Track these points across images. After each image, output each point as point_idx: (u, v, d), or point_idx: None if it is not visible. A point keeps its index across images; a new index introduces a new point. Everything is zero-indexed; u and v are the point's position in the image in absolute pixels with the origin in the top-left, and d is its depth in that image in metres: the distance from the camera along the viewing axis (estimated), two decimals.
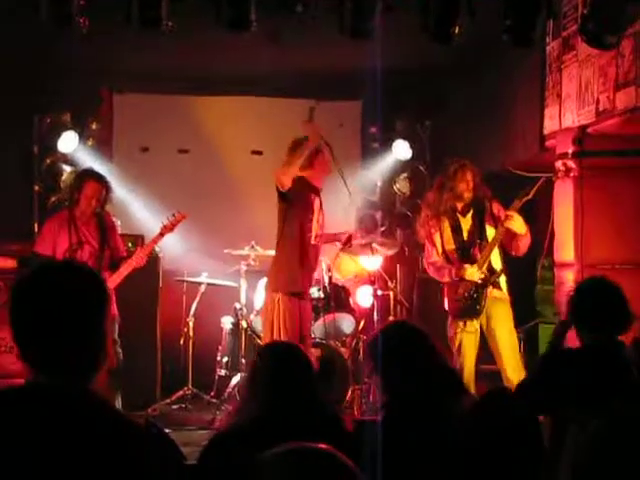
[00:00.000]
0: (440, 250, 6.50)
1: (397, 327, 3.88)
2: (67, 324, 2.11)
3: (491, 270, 6.37)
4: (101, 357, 2.17)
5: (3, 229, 8.06)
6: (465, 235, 6.46)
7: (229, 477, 3.14)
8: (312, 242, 6.65)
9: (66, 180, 8.54)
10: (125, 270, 6.72)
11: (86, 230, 6.75)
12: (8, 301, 2.15)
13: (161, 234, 6.95)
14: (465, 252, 6.43)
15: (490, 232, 6.41)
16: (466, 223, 6.48)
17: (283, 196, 6.52)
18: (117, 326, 6.68)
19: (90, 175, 6.92)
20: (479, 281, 6.31)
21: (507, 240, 6.42)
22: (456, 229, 6.46)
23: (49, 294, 2.12)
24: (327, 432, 3.21)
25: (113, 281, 6.61)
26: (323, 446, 1.92)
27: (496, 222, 6.40)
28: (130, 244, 8.05)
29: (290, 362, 3.50)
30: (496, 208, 6.47)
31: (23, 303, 2.14)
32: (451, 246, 6.47)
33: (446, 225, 6.46)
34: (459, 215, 6.48)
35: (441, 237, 6.48)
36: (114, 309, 6.46)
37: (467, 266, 6.36)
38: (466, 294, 6.33)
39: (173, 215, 6.98)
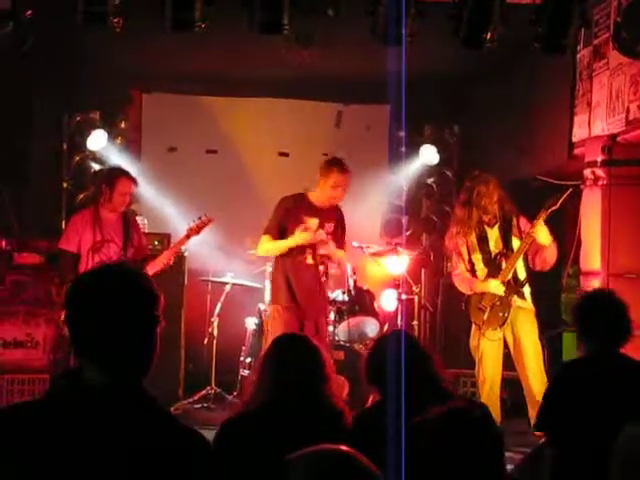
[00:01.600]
0: (466, 260, 6.49)
1: (389, 339, 3.88)
2: (120, 326, 2.15)
3: (516, 280, 6.35)
4: (152, 358, 2.22)
5: (31, 225, 8.14)
6: (491, 245, 6.44)
7: (239, 461, 3.28)
8: (308, 262, 6.61)
9: (92, 177, 8.60)
10: (150, 270, 6.75)
11: (110, 228, 6.81)
12: (65, 301, 2.21)
13: (187, 236, 7.00)
14: (491, 261, 6.41)
15: (516, 243, 6.38)
16: (493, 234, 6.45)
17: None
18: None
19: (121, 172, 7.02)
20: (503, 294, 6.29)
21: (532, 255, 6.37)
22: (482, 239, 6.45)
23: (104, 297, 2.17)
24: (326, 424, 3.29)
25: None
26: (344, 448, 1.94)
27: (522, 234, 6.37)
28: (156, 243, 8.10)
29: (291, 352, 3.59)
30: (523, 222, 6.43)
31: (79, 305, 2.19)
32: (477, 256, 6.46)
33: (473, 236, 6.45)
34: (486, 227, 6.46)
35: (467, 248, 6.47)
36: None
37: (491, 280, 6.35)
38: (491, 303, 6.32)
39: (199, 218, 7.03)
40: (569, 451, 3.91)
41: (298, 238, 6.50)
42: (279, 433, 3.29)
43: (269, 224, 6.64)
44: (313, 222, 6.55)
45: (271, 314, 6.75)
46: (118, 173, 6.98)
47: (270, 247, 6.65)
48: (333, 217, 6.69)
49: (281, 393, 3.45)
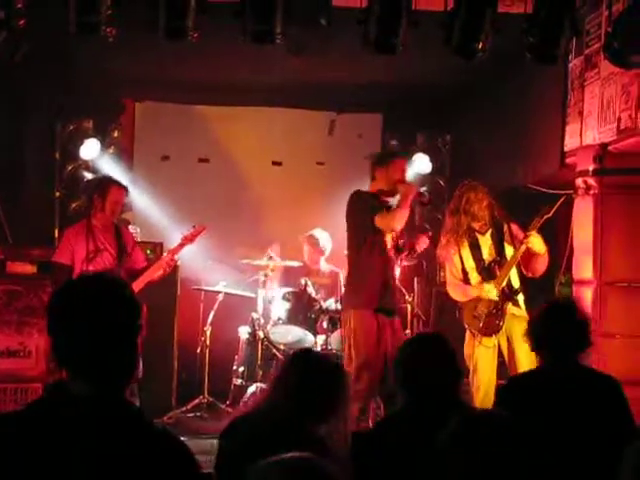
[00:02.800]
0: (459, 268, 6.50)
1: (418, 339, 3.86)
2: (102, 335, 2.16)
3: (510, 287, 6.38)
4: (134, 368, 2.24)
5: (24, 234, 8.13)
6: (484, 253, 6.46)
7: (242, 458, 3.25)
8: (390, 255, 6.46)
9: (83, 187, 8.60)
10: (144, 280, 6.79)
11: (104, 238, 6.85)
12: (46, 311, 2.22)
13: (181, 245, 7.03)
14: (485, 269, 6.44)
15: (509, 251, 6.41)
16: (485, 241, 6.48)
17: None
18: None
19: (112, 181, 7.15)
20: (497, 299, 6.31)
21: (525, 261, 6.40)
22: (475, 247, 6.47)
23: (86, 306, 2.17)
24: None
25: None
26: (306, 455, 1.93)
27: (514, 241, 6.40)
28: (149, 251, 8.09)
29: (302, 372, 3.49)
30: (514, 228, 6.47)
31: (60, 314, 2.20)
32: (471, 264, 6.47)
33: (465, 244, 6.47)
34: (478, 234, 6.48)
35: (460, 257, 6.49)
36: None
37: (484, 284, 6.37)
38: (486, 310, 6.33)
39: (193, 227, 7.08)
40: None
41: (406, 189, 6.38)
42: (263, 442, 3.28)
43: (370, 206, 6.34)
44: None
45: (355, 320, 6.29)
46: (109, 182, 7.10)
47: (394, 214, 6.32)
48: None
49: (276, 405, 3.43)
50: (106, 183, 7.08)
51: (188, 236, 7.03)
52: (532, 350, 4.28)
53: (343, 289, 7.90)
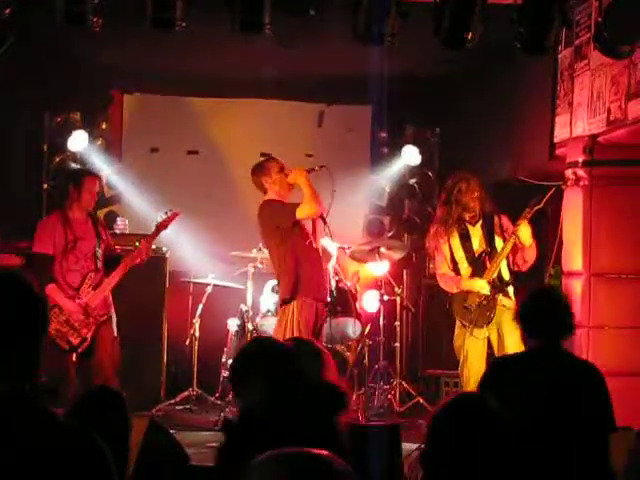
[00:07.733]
0: (449, 259, 6.50)
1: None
2: (9, 329, 2.14)
3: (501, 279, 6.38)
4: (33, 362, 2.20)
5: (12, 227, 8.08)
6: (475, 244, 6.47)
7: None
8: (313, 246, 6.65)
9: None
10: (123, 268, 6.80)
11: (81, 227, 6.87)
12: None
13: (156, 232, 7.09)
14: (475, 260, 6.43)
15: (499, 243, 6.41)
16: (475, 232, 6.48)
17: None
18: (115, 324, 6.79)
19: (85, 171, 7.44)
20: (488, 293, 6.31)
21: (512, 254, 6.42)
22: (465, 238, 6.47)
23: None
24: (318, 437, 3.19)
25: (112, 279, 6.73)
26: (317, 451, 1.87)
27: (504, 234, 6.40)
28: (137, 244, 8.06)
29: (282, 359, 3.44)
30: (504, 220, 6.48)
31: None
32: (460, 254, 6.47)
33: (455, 235, 6.47)
34: (468, 225, 6.48)
35: (450, 247, 6.49)
36: (108, 308, 6.75)
37: (477, 278, 6.37)
38: (477, 302, 6.33)
39: (165, 213, 7.12)
40: None
41: (296, 174, 6.57)
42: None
43: (284, 212, 6.56)
44: None
45: (298, 307, 6.45)
46: (83, 172, 7.32)
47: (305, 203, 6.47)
48: None
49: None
50: (80, 173, 7.23)
51: (162, 223, 7.10)
52: (523, 336, 4.33)
53: (333, 281, 7.89)
